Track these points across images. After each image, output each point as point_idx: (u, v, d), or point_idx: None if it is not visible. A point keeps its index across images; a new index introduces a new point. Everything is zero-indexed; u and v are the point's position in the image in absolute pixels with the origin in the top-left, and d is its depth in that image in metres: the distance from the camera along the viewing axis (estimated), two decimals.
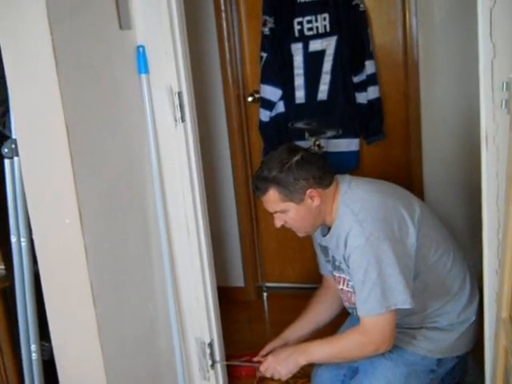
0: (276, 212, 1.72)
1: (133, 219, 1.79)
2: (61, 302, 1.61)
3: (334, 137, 2.65)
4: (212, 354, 2.03)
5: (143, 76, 1.80)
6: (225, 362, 2.10)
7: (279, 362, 1.75)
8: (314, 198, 1.67)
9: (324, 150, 2.68)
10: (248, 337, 2.64)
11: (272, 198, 1.69)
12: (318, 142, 2.65)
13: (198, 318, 1.99)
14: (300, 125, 2.68)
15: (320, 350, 1.72)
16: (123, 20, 1.73)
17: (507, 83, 1.46)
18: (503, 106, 1.48)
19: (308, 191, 1.67)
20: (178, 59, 1.82)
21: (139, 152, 1.82)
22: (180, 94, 1.83)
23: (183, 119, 1.85)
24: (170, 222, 1.92)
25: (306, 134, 2.70)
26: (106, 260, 1.62)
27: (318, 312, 1.95)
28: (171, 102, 1.83)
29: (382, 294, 1.58)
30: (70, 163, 1.46)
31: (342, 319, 1.96)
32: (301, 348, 1.75)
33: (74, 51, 1.49)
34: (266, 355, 1.83)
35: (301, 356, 1.72)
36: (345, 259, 1.67)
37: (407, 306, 1.59)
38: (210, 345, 2.02)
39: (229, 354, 2.16)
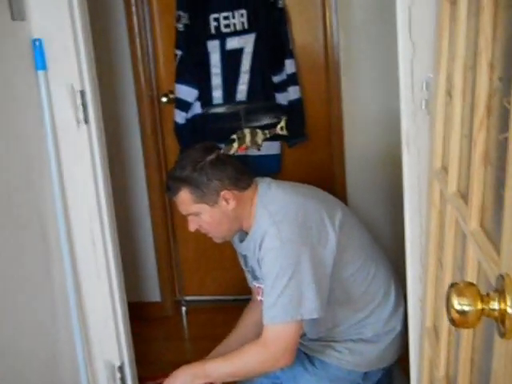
0: (189, 214, 1.64)
1: (29, 232, 1.63)
2: None
3: (271, 127, 2.35)
4: (123, 379, 1.90)
5: (41, 72, 1.66)
6: None
7: None
8: (228, 200, 1.59)
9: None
10: (166, 356, 2.50)
11: (184, 199, 1.61)
12: (262, 136, 1.98)
13: (107, 338, 1.86)
14: (221, 109, 2.47)
15: (217, 369, 1.61)
16: (15, 9, 1.58)
17: (427, 83, 1.43)
18: (423, 107, 1.46)
19: (222, 193, 1.59)
20: (80, 55, 1.70)
21: (36, 156, 1.68)
22: (83, 93, 1.71)
23: (86, 120, 1.73)
24: (72, 234, 1.78)
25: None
26: None
27: (247, 326, 1.86)
28: (73, 101, 1.70)
29: (290, 302, 1.50)
30: None
31: None
32: (196, 369, 1.63)
33: None
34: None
35: (197, 379, 1.60)
36: (258, 263, 1.60)
37: (315, 315, 1.52)
38: (121, 368, 1.89)
39: (143, 376, 2.03)
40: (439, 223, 1.35)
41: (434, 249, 1.38)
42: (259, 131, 1.72)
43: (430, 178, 1.41)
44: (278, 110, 2.47)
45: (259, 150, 1.80)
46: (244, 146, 1.69)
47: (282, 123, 1.88)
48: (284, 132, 1.86)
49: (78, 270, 1.80)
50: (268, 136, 1.80)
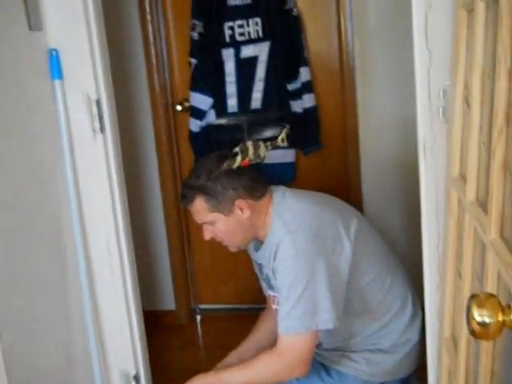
0: (204, 223, 1.63)
1: (45, 241, 1.63)
2: None
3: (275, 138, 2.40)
4: None
5: (57, 82, 1.66)
6: None
7: None
8: (243, 209, 1.59)
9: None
10: (181, 364, 2.47)
11: (199, 208, 1.60)
12: (264, 149, 1.77)
13: (122, 347, 1.85)
14: (223, 121, 2.49)
15: (233, 379, 1.61)
16: (33, 20, 1.59)
17: (444, 90, 1.41)
18: (440, 115, 1.44)
19: (237, 202, 1.58)
20: (96, 64, 1.70)
21: (52, 166, 1.67)
22: (99, 102, 1.71)
23: (102, 129, 1.72)
24: (88, 243, 1.77)
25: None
26: (12, 286, 1.45)
27: (261, 333, 1.84)
28: (89, 110, 1.70)
29: (305, 312, 1.49)
30: None
31: None
32: (212, 378, 1.63)
33: None
34: None
35: None
36: (273, 273, 1.59)
37: (330, 326, 1.51)
38: (136, 377, 1.88)
39: None
40: (457, 232, 1.32)
41: (452, 258, 1.36)
42: (262, 144, 1.69)
43: (447, 186, 1.38)
44: (286, 119, 2.43)
45: (262, 162, 1.76)
46: (247, 159, 1.66)
47: (283, 134, 1.81)
48: (284, 144, 1.81)
49: (94, 279, 1.80)
50: (270, 148, 1.75)
